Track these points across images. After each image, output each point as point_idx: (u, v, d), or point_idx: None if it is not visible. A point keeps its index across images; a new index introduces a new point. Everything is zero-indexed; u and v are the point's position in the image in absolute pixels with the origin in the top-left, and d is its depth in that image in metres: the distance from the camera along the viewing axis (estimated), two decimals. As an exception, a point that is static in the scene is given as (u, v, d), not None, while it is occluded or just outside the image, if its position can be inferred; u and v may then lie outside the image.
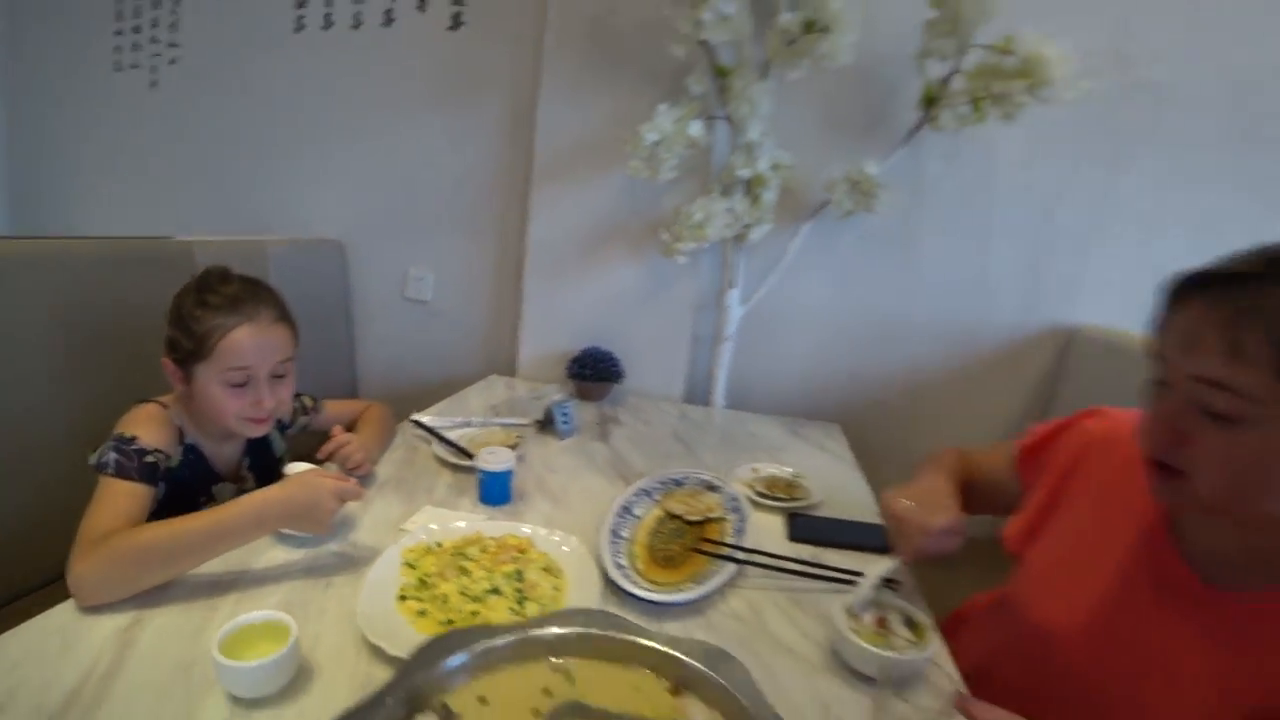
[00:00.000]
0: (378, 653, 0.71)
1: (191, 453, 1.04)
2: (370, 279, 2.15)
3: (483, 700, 0.57)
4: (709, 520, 1.07)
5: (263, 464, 1.19)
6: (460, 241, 2.03)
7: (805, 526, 1.11)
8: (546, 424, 1.48)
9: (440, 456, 1.27)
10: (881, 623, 0.80)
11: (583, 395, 1.74)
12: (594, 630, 0.64)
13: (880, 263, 1.76)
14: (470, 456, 1.22)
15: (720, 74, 1.53)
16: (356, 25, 2.02)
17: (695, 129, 1.46)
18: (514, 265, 1.94)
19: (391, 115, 2.04)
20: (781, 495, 1.21)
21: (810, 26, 1.38)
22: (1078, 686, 0.79)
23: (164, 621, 0.75)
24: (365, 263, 2.14)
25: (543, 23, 1.79)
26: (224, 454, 1.11)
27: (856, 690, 0.74)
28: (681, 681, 0.60)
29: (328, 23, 2.05)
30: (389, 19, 1.99)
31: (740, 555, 0.94)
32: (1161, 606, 0.74)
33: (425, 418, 1.38)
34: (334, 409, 1.32)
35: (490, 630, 0.62)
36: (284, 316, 1.05)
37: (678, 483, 1.19)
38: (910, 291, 1.77)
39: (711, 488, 1.17)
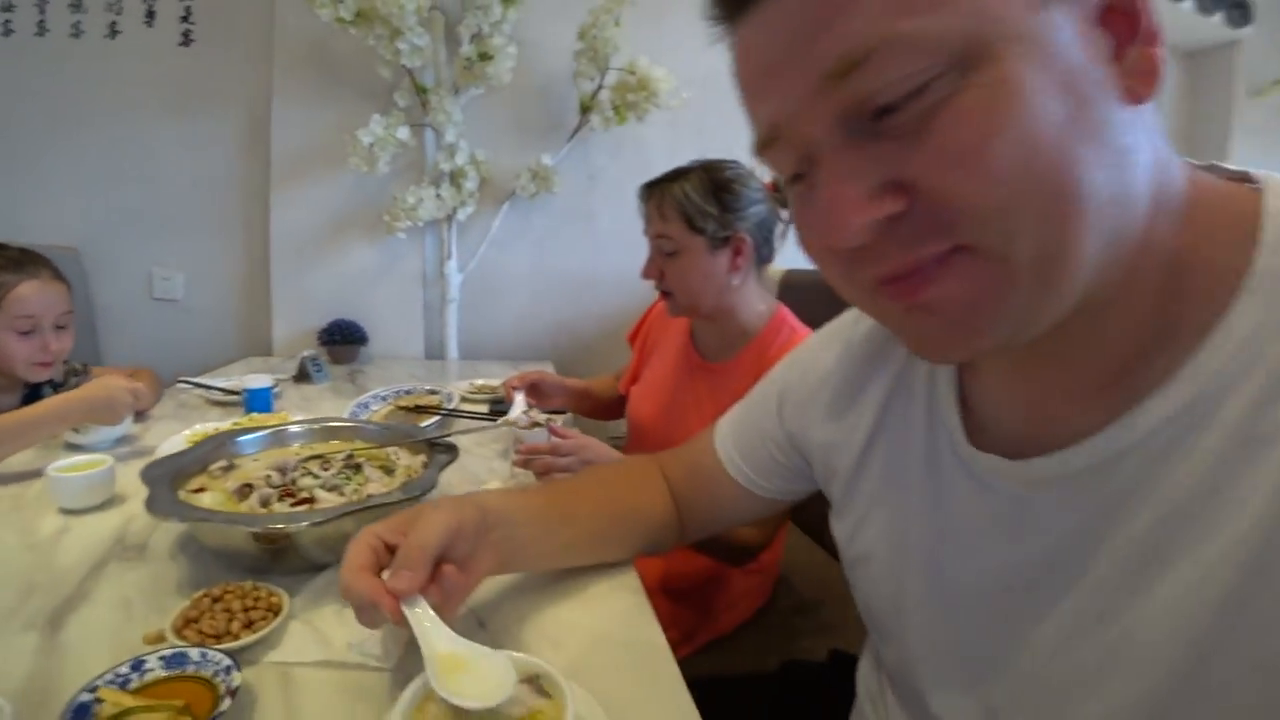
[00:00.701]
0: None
1: None
2: (113, 284, 2.25)
3: (255, 460, 0.94)
4: (429, 407, 1.48)
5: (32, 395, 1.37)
6: (208, 240, 2.24)
7: (499, 404, 1.57)
8: (302, 376, 1.79)
9: (210, 399, 1.54)
10: (532, 426, 1.27)
11: (334, 359, 2.06)
12: (328, 424, 1.03)
13: (570, 233, 2.30)
14: (236, 394, 1.52)
15: (420, 91, 1.96)
16: (76, 34, 2.13)
17: (403, 133, 1.88)
18: (262, 257, 2.20)
19: (124, 123, 2.17)
20: (487, 393, 1.66)
21: (482, 56, 1.86)
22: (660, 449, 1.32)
23: (-11, 491, 1.00)
24: (106, 268, 2.23)
25: (271, 45, 2.09)
26: (4, 405, 1.30)
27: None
28: (384, 441, 1.02)
29: (41, 30, 2.12)
30: (113, 31, 2.13)
31: (441, 412, 1.38)
32: (691, 382, 1.30)
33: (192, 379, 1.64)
34: (103, 371, 1.53)
35: (266, 427, 1.00)
36: (60, 276, 1.29)
37: (407, 391, 1.59)
38: (596, 253, 2.32)
39: (433, 393, 1.59)
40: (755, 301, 1.23)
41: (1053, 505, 0.43)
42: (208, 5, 2.17)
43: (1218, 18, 2.48)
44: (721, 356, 1.26)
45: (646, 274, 1.24)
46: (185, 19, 2.16)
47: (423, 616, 0.54)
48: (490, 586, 0.73)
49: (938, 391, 0.53)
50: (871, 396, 0.59)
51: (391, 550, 0.57)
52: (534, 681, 0.51)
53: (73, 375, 1.47)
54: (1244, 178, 0.41)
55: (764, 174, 1.22)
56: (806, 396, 0.66)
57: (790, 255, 2.32)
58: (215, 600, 0.67)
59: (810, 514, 1.47)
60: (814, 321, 1.28)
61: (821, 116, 0.37)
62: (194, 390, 1.59)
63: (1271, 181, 0.40)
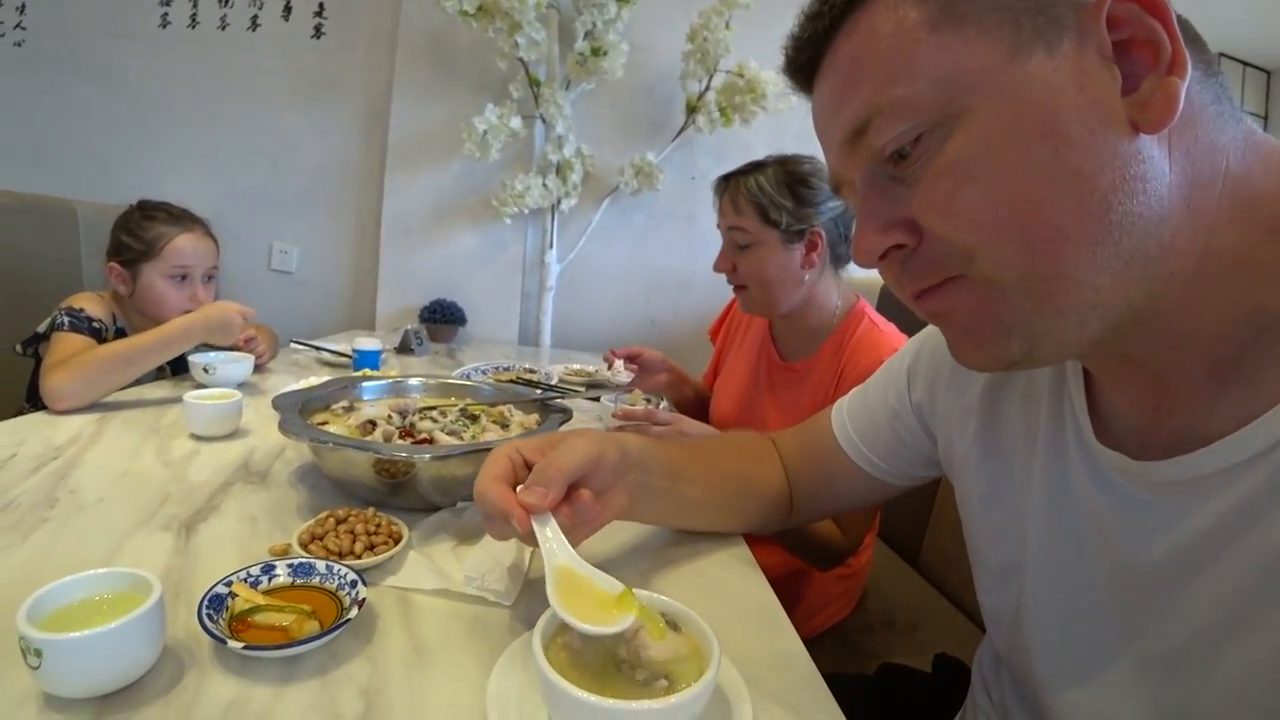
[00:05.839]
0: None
1: (121, 335, 1.32)
2: (235, 254, 2.38)
3: (374, 405, 0.97)
4: (529, 381, 1.50)
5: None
6: (323, 219, 2.36)
7: (595, 387, 1.57)
8: (404, 348, 1.85)
9: (320, 360, 1.61)
10: (634, 402, 1.27)
11: (433, 337, 2.12)
12: (445, 381, 1.05)
13: (668, 233, 2.30)
14: (346, 355, 1.57)
15: (534, 83, 2.01)
16: (223, 27, 2.31)
17: (515, 123, 1.93)
18: (371, 237, 2.30)
19: (257, 108, 2.33)
20: (584, 376, 1.67)
21: (596, 52, 1.90)
22: None
23: (127, 415, 1.07)
24: (231, 239, 2.35)
25: (394, 37, 2.20)
26: None
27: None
28: (499, 399, 1.03)
29: (193, 22, 2.31)
30: (255, 24, 2.30)
31: (543, 386, 1.39)
32: (769, 382, 1.28)
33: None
34: None
35: (386, 378, 1.02)
36: (211, 235, 1.40)
37: (506, 368, 1.61)
38: (694, 255, 2.32)
39: (530, 370, 1.61)
40: (831, 298, 1.20)
41: (1180, 508, 0.41)
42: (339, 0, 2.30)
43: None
44: (799, 355, 1.23)
45: (719, 267, 1.23)
46: (318, 13, 2.30)
47: (551, 536, 0.53)
48: (607, 546, 0.72)
49: (1065, 387, 0.52)
50: (980, 380, 0.61)
51: (530, 467, 0.57)
52: (665, 620, 0.50)
53: None
54: None
55: None
56: (936, 370, 0.67)
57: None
58: (340, 521, 0.68)
59: (901, 534, 1.42)
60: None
61: (855, 166, 0.45)
62: (306, 351, 1.67)
63: None
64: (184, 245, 1.33)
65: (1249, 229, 0.38)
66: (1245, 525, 0.38)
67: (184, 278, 1.34)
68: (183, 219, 1.35)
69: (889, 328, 1.14)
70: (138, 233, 1.31)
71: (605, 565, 0.68)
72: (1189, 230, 0.38)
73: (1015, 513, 0.55)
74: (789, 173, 1.15)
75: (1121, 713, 0.45)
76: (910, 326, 1.20)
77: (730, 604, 0.65)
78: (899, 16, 0.41)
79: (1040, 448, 0.53)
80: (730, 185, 1.19)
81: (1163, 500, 0.42)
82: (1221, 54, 2.74)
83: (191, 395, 0.99)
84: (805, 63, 0.48)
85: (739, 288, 1.22)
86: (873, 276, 0.58)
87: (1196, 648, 0.40)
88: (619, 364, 1.36)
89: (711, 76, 2.03)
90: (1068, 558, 0.50)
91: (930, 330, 0.71)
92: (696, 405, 1.63)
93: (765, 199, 1.13)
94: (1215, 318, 0.39)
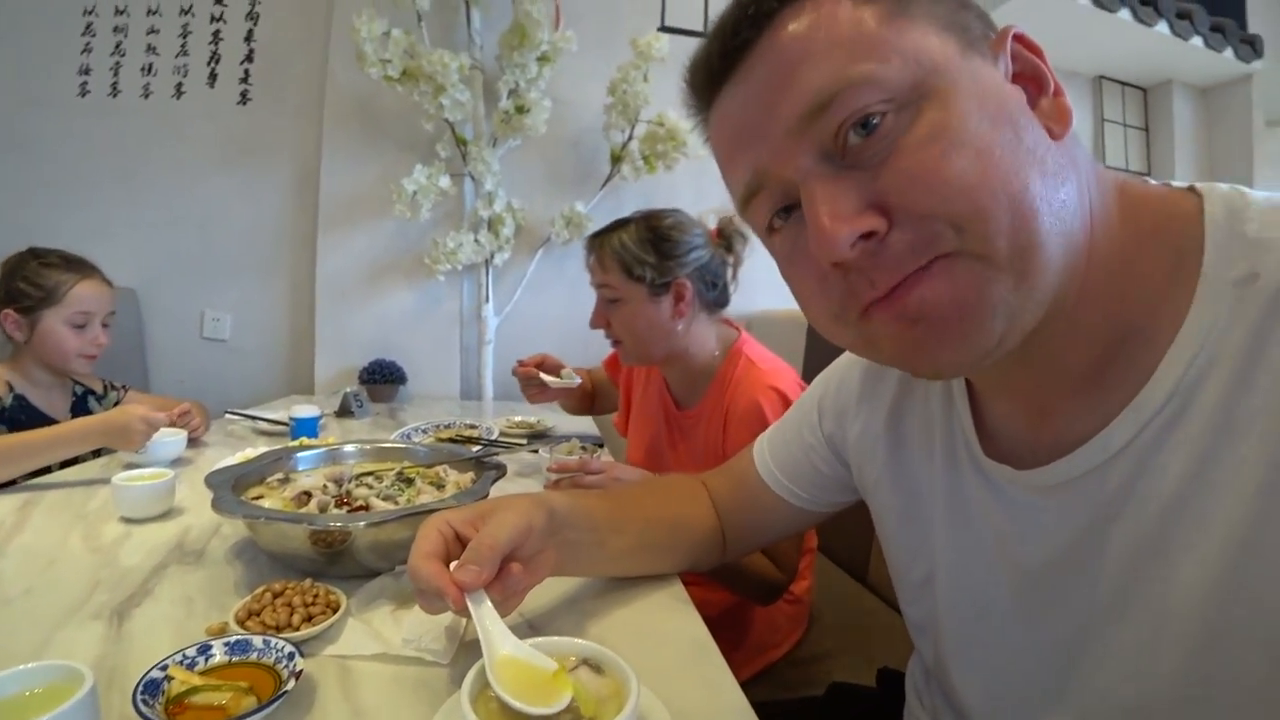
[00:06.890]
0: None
1: (20, 400, 1.31)
2: (165, 324, 2.34)
3: (309, 475, 0.97)
4: (469, 438, 1.52)
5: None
6: (255, 283, 2.34)
7: (536, 438, 1.60)
8: (344, 411, 1.84)
9: (257, 429, 1.59)
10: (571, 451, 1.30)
11: (374, 398, 2.11)
12: (380, 446, 1.07)
13: (602, 279, 2.36)
14: (283, 423, 1.56)
15: (461, 142, 2.07)
16: (146, 95, 2.29)
17: (444, 182, 1.98)
18: (307, 300, 2.29)
19: (185, 175, 2.31)
20: (525, 429, 1.69)
21: (520, 109, 1.97)
22: None
23: (52, 499, 1.05)
24: (160, 309, 2.33)
25: (322, 101, 2.23)
26: (53, 404, 1.38)
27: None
28: (434, 460, 1.04)
29: (114, 91, 2.29)
30: (179, 92, 2.30)
31: (483, 442, 1.41)
32: (668, 431, 1.33)
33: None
34: (143, 399, 1.59)
35: (321, 446, 1.03)
36: (107, 281, 1.43)
37: (447, 425, 1.62)
38: (628, 300, 2.37)
39: (471, 426, 1.63)
40: (708, 343, 1.24)
41: (1060, 509, 0.46)
42: (265, 67, 2.33)
43: (1228, 53, 2.56)
44: (691, 402, 1.27)
45: (593, 323, 1.28)
46: (244, 80, 2.32)
47: (486, 614, 0.55)
48: (542, 595, 0.74)
49: (953, 399, 0.57)
50: (884, 400, 0.66)
51: (461, 540, 0.59)
52: (589, 664, 0.53)
53: (111, 390, 1.55)
54: (1190, 189, 0.45)
55: (709, 221, 1.28)
56: (842, 403, 0.72)
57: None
58: (276, 595, 0.69)
59: (848, 552, 1.47)
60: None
61: (804, 153, 0.42)
62: (241, 421, 1.65)
63: (1213, 192, 0.44)
64: (86, 292, 1.37)
65: (1113, 243, 0.43)
66: (1112, 518, 0.43)
67: (84, 324, 1.36)
68: (79, 266, 1.39)
69: (769, 362, 1.19)
70: (36, 280, 1.32)
71: (543, 614, 0.72)
72: (1084, 230, 0.42)
73: (925, 528, 0.59)
74: (651, 228, 1.19)
75: (1038, 708, 0.49)
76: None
77: (663, 643, 0.67)
78: (851, 3, 0.42)
79: (939, 465, 0.58)
80: (596, 244, 1.23)
81: (1046, 504, 0.47)
82: (1102, 76, 2.99)
83: (121, 477, 0.98)
84: (738, 46, 0.44)
85: (616, 342, 1.27)
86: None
87: (1085, 636, 0.45)
88: (546, 377, 1.42)
89: (633, 127, 2.13)
90: (972, 566, 0.54)
91: (839, 363, 0.76)
92: (587, 401, 1.74)
93: (628, 256, 1.18)
94: (1090, 322, 0.44)
